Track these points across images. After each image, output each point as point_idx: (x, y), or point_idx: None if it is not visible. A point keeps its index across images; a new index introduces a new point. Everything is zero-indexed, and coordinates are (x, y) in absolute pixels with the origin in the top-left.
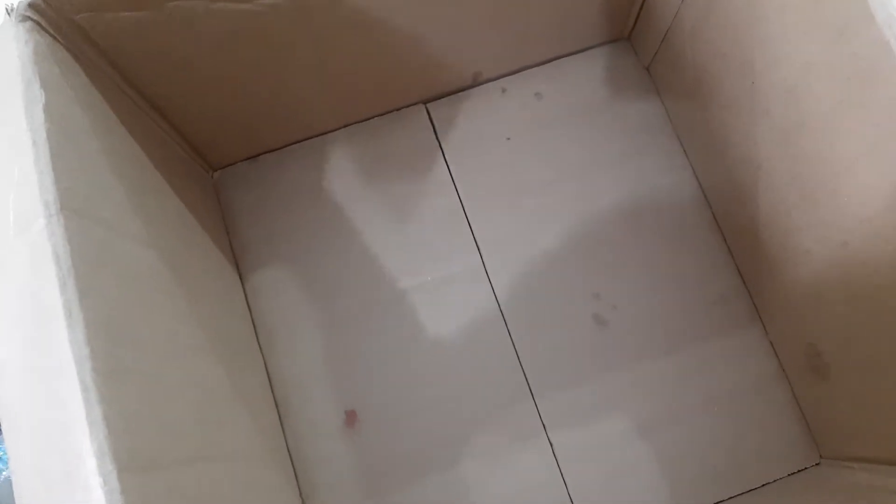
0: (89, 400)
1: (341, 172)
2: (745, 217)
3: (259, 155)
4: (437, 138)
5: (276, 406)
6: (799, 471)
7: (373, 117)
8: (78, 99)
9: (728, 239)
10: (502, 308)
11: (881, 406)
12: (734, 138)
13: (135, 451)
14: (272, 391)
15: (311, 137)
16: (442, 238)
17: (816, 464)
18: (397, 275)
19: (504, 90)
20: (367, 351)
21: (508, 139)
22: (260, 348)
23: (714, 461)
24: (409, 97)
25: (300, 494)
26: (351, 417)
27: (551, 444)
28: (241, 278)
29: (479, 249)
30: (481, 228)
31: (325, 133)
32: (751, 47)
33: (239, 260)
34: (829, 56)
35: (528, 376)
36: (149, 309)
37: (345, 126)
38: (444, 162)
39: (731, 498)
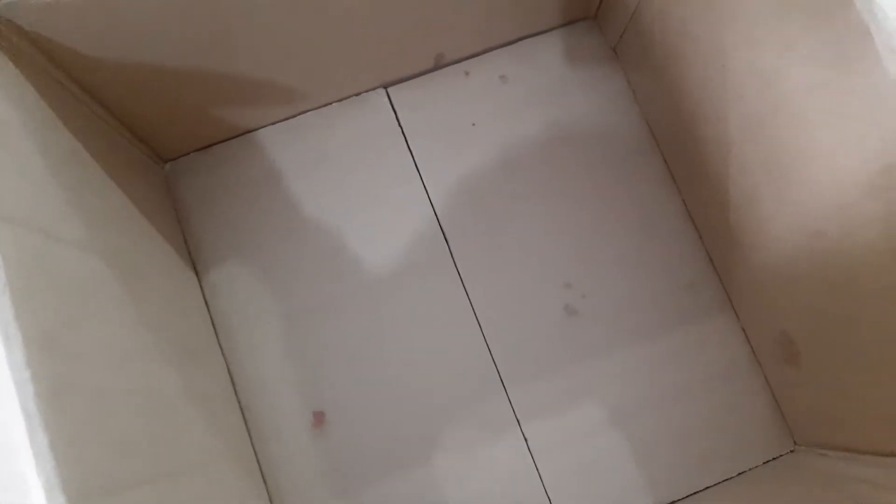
0: (33, 427)
1: (299, 161)
2: (715, 202)
3: (211, 145)
4: (399, 124)
5: (241, 409)
6: (774, 458)
7: (331, 103)
8: (6, 94)
9: (698, 225)
10: (471, 299)
11: (854, 394)
12: (704, 121)
13: (86, 478)
14: (235, 393)
15: (267, 126)
16: (406, 228)
17: (791, 451)
18: (361, 266)
19: (467, 73)
20: (332, 347)
21: (473, 124)
22: (221, 349)
23: (689, 450)
24: (368, 81)
25: (269, 498)
26: (318, 418)
27: (524, 437)
28: (197, 276)
29: (445, 238)
30: (447, 217)
31: (282, 120)
32: (722, 28)
33: (195, 256)
34: (807, 39)
35: (499, 369)
36: (94, 319)
37: (302, 113)
38: (406, 148)
39: (706, 488)
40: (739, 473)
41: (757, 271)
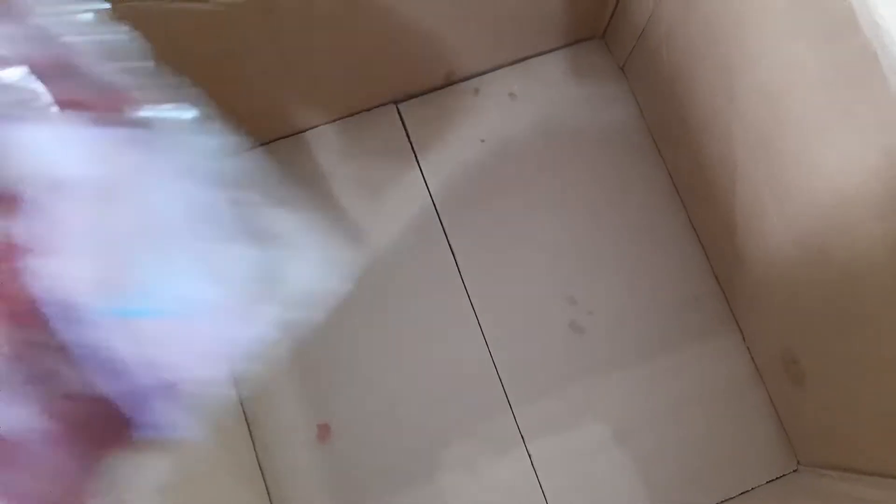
0: None
1: (308, 176)
2: (719, 218)
3: None
4: (409, 140)
5: (246, 420)
6: (777, 478)
7: (341, 118)
8: None
9: (703, 240)
10: (478, 315)
11: (859, 415)
12: (710, 138)
13: None
14: (241, 404)
15: (274, 140)
16: (415, 243)
17: (794, 471)
18: (367, 279)
19: (477, 90)
20: (338, 360)
21: (482, 141)
22: None
23: (693, 468)
24: (379, 97)
25: None
26: (323, 431)
27: (529, 454)
28: None
29: (452, 253)
30: (456, 233)
31: (290, 136)
32: (729, 48)
33: None
34: (813, 60)
35: (505, 385)
36: None
37: (311, 128)
38: (416, 165)
39: None
40: (742, 493)
41: (761, 287)
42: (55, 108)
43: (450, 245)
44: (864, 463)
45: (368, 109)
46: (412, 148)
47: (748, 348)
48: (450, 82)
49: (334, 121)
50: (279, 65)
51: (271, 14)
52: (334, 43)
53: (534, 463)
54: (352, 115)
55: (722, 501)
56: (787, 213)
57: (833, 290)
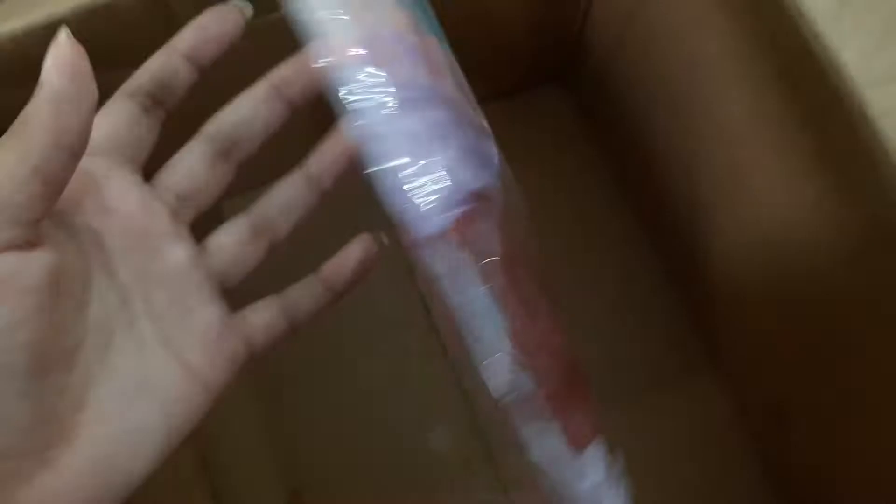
0: None
1: None
2: (694, 265)
3: None
4: None
5: (212, 491)
6: None
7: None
8: None
9: (676, 283)
10: (456, 366)
11: (846, 457)
12: (675, 183)
13: None
14: (205, 473)
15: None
16: (381, 285)
17: None
18: (334, 328)
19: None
20: (310, 419)
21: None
22: None
23: None
24: None
25: None
26: (296, 500)
27: None
28: None
29: (422, 298)
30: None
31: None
32: (692, 92)
33: None
34: (775, 105)
35: (485, 437)
36: None
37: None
38: None
39: None
40: None
41: (742, 334)
42: None
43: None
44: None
45: None
46: None
47: (730, 391)
48: None
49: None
50: None
51: None
52: None
53: None
54: None
55: None
56: (755, 260)
57: (811, 336)
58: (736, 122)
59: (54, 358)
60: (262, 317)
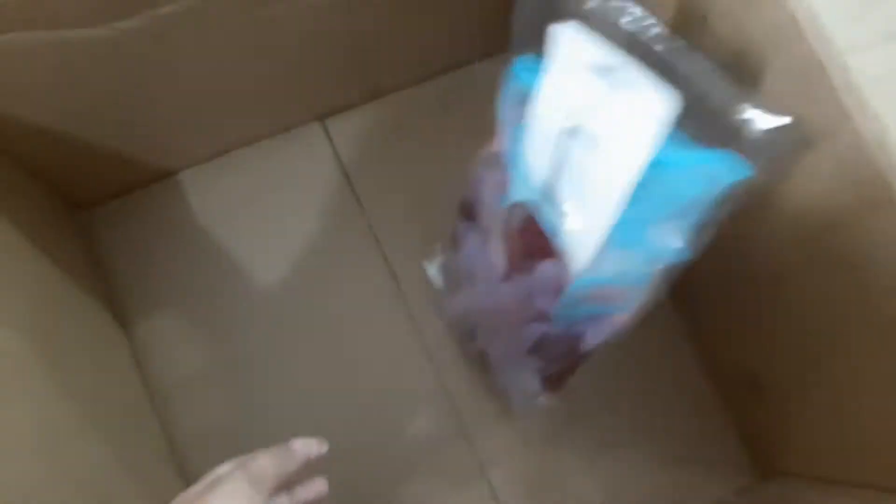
0: None
1: (228, 203)
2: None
3: (132, 191)
4: (337, 158)
5: (182, 473)
6: (743, 488)
7: (261, 139)
8: None
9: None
10: (426, 339)
11: (818, 424)
12: None
13: None
14: (173, 454)
15: (191, 167)
16: (351, 267)
17: (762, 481)
18: (306, 312)
19: (408, 101)
20: (279, 401)
21: (418, 153)
22: (155, 410)
23: (658, 486)
24: (301, 114)
25: None
26: None
27: (490, 484)
28: (126, 332)
29: (395, 277)
30: (396, 254)
31: (209, 160)
32: None
33: (121, 311)
34: None
35: (461, 412)
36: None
37: (229, 151)
38: (347, 184)
39: None
40: None
41: (717, 307)
42: None
43: (389, 264)
44: (828, 470)
45: (290, 128)
46: (342, 165)
47: (704, 362)
48: (379, 94)
49: (253, 142)
50: (186, 87)
51: (166, 37)
52: (248, 61)
53: (496, 493)
54: (272, 135)
55: None
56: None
57: (785, 307)
58: None
59: None
60: None
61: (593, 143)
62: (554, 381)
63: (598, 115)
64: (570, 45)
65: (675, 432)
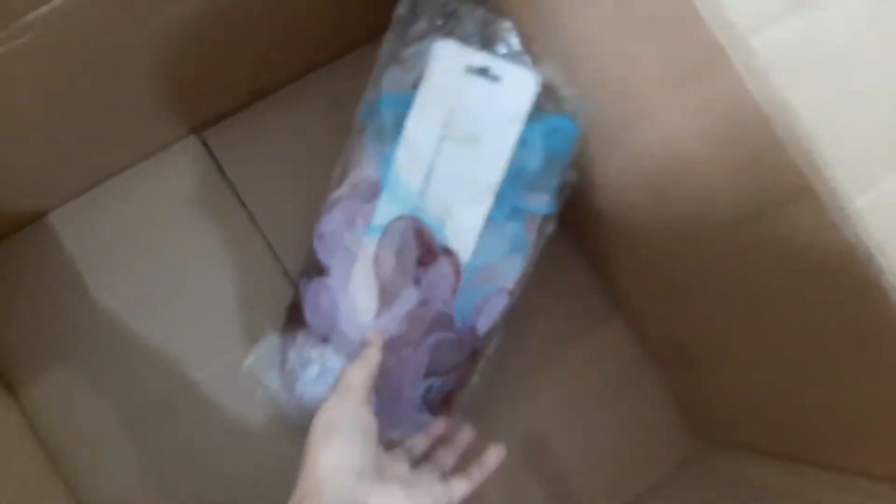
0: None
1: (106, 237)
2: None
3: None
4: (221, 171)
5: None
6: (682, 461)
7: (135, 163)
8: None
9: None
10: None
11: (750, 394)
12: None
13: None
14: None
15: (63, 204)
16: (254, 290)
17: (697, 450)
18: (201, 353)
19: (292, 100)
20: (184, 445)
21: (308, 154)
22: (58, 474)
23: (600, 463)
24: (175, 129)
25: None
26: None
27: None
28: (14, 398)
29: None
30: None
31: (80, 195)
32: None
33: (5, 375)
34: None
35: None
36: None
37: (102, 181)
38: (236, 198)
39: None
40: (651, 486)
41: (646, 280)
42: None
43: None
44: (760, 439)
45: (165, 147)
46: (226, 179)
47: (638, 335)
48: (259, 97)
49: (125, 168)
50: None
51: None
52: (102, 74)
53: None
54: (146, 157)
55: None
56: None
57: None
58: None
59: None
60: None
61: (471, 137)
62: (445, 400)
63: (474, 111)
64: (447, 53)
65: (610, 411)
